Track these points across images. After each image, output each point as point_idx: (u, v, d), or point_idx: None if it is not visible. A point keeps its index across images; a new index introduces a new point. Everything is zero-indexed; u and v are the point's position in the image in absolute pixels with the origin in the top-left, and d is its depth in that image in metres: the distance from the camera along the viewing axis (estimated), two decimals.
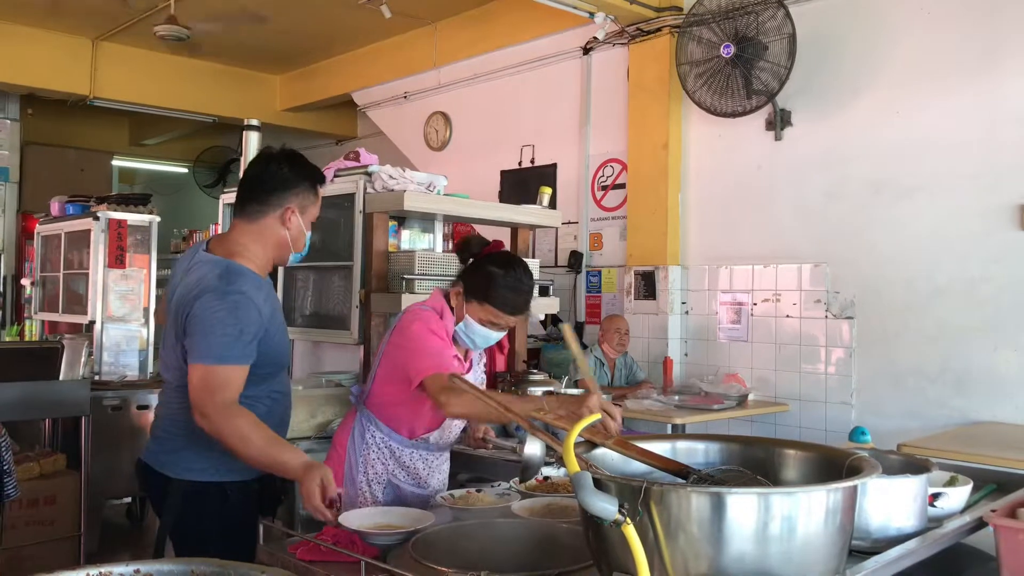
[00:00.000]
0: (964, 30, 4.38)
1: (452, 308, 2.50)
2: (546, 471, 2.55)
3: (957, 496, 1.83)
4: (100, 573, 1.03)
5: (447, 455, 2.67)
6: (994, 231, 4.23)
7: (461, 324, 2.46)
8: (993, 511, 1.63)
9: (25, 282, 6.98)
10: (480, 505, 2.19)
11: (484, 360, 2.72)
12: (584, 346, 5.61)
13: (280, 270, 4.04)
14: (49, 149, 9.88)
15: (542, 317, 5.83)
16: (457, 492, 2.29)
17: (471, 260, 2.53)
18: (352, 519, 1.99)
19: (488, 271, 2.44)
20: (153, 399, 5.17)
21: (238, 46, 7.85)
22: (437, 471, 2.61)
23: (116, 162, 11.17)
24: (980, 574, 1.71)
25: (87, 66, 7.74)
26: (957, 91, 4.39)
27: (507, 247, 3.28)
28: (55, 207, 6.57)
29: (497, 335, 2.49)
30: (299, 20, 7.14)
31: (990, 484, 2.14)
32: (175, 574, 1.05)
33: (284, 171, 2.21)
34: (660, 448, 1.74)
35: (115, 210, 5.91)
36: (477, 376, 2.63)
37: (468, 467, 3.04)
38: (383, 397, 2.50)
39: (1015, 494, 1.83)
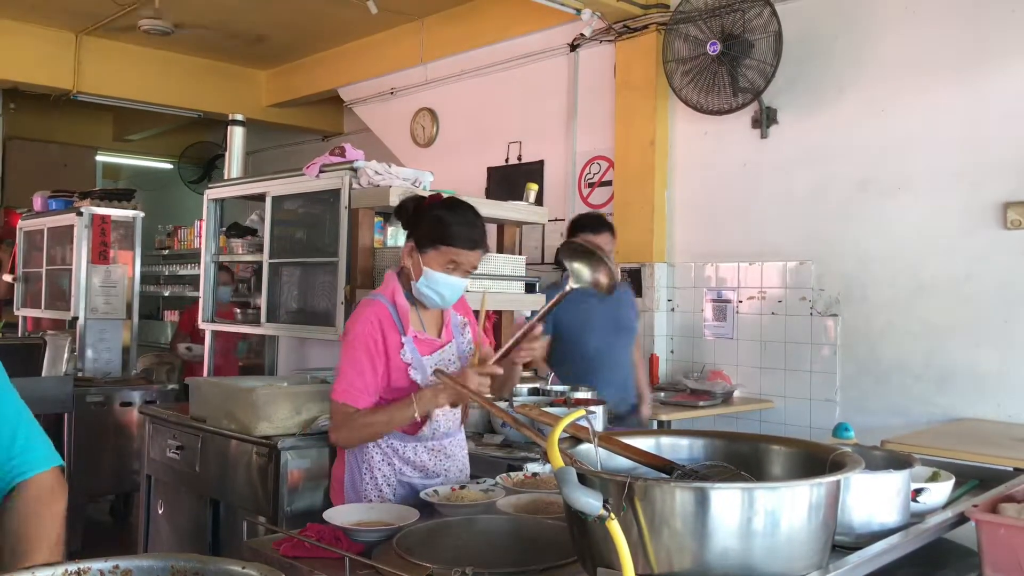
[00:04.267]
0: (949, 29, 4.41)
1: (407, 275, 2.44)
2: (531, 467, 2.55)
3: (939, 491, 1.84)
4: (78, 569, 1.02)
5: (460, 438, 2.61)
6: (978, 229, 4.26)
7: (422, 279, 2.39)
8: (975, 506, 1.64)
9: (7, 278, 6.92)
10: (465, 501, 2.18)
11: (469, 330, 2.61)
12: None
13: (264, 266, 4.02)
14: (32, 144, 9.80)
15: (528, 314, 5.82)
16: (442, 488, 2.28)
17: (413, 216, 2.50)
18: (336, 516, 1.99)
19: (435, 214, 2.42)
20: (136, 396, 5.14)
21: (223, 41, 7.80)
22: (451, 457, 2.54)
23: (100, 157, 11.10)
24: (962, 568, 1.72)
25: (70, 60, 7.67)
26: (942, 89, 4.42)
27: (454, 194, 3.34)
28: (38, 202, 6.52)
29: (462, 282, 2.43)
30: (285, 15, 7.10)
31: (972, 480, 2.15)
32: (155, 570, 1.04)
33: None
34: (645, 444, 1.74)
35: (99, 205, 5.88)
36: (462, 346, 2.55)
37: None
38: None
39: (996, 489, 1.84)
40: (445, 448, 2.53)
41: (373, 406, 2.39)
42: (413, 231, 2.46)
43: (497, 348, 4.16)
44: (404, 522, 1.94)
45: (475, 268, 2.45)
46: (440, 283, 2.40)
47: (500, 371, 2.36)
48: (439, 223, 2.40)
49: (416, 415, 2.34)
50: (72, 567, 1.03)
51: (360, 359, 2.37)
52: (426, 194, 2.60)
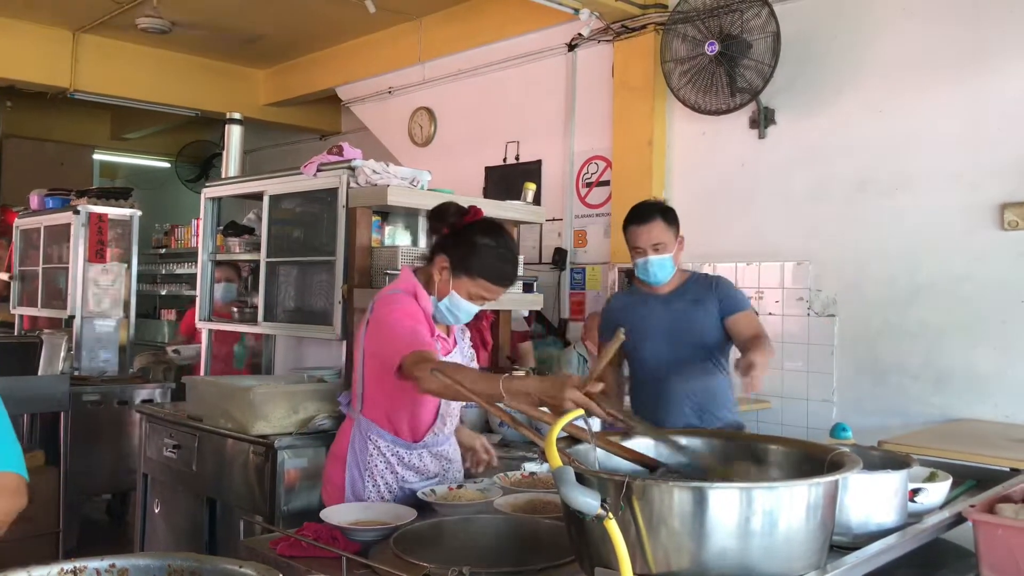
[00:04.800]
0: (947, 29, 4.41)
1: (431, 283, 2.40)
2: (529, 467, 2.55)
3: (937, 492, 1.84)
4: (74, 568, 1.01)
5: (454, 440, 2.61)
6: (976, 230, 4.26)
7: (445, 300, 2.36)
8: (972, 506, 1.64)
9: (3, 276, 6.91)
10: (462, 501, 2.18)
11: (468, 334, 2.64)
12: (567, 343, 5.62)
13: (262, 265, 4.02)
14: (29, 142, 9.78)
15: (526, 313, 5.83)
16: (439, 488, 2.28)
17: (450, 231, 2.41)
18: (333, 515, 1.98)
19: (476, 242, 2.33)
20: (132, 395, 5.13)
21: (221, 39, 7.78)
22: (451, 460, 2.55)
23: (97, 156, 11.08)
24: (959, 569, 1.72)
25: (67, 58, 7.65)
26: (940, 90, 4.42)
27: (452, 195, 3.21)
28: (35, 201, 6.50)
29: (476, 308, 2.41)
30: (283, 14, 7.09)
31: (969, 480, 2.16)
32: (151, 569, 1.03)
33: None
34: (643, 444, 1.74)
35: (96, 204, 5.87)
36: (464, 351, 2.57)
37: None
38: (378, 400, 2.41)
39: (994, 490, 1.84)
40: (446, 452, 2.54)
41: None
42: (451, 249, 2.38)
43: (494, 349, 4.18)
44: (401, 521, 1.94)
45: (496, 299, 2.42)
46: (461, 308, 2.38)
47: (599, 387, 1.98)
48: (483, 255, 2.33)
49: (502, 400, 1.93)
50: (68, 565, 1.03)
51: (405, 323, 2.26)
52: (466, 205, 2.46)
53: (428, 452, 2.47)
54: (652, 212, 3.09)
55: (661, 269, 3.07)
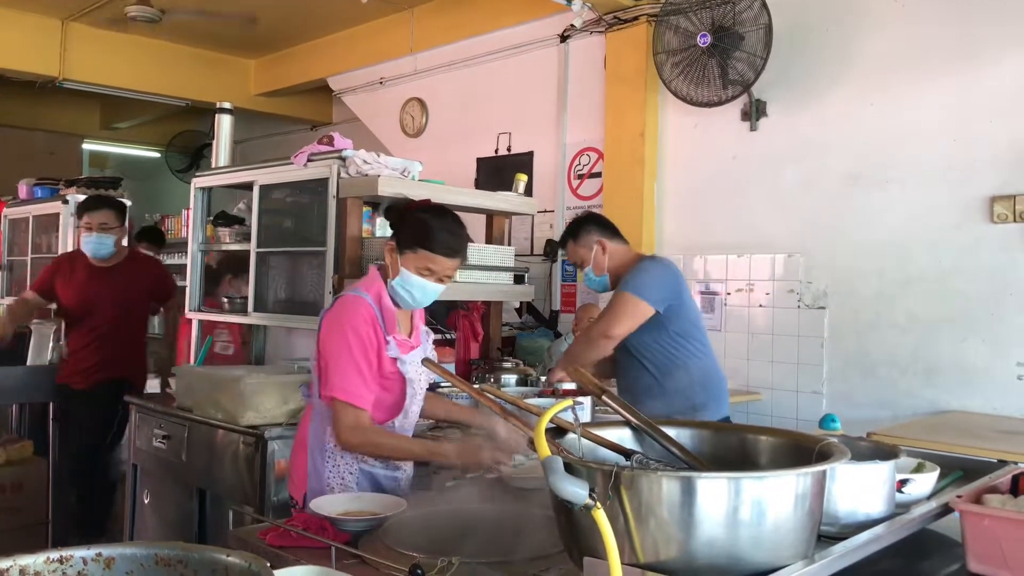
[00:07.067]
0: (939, 23, 4.42)
1: (386, 272, 2.47)
2: (518, 458, 2.55)
3: (924, 482, 1.85)
4: (60, 557, 1.01)
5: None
6: (965, 223, 4.28)
7: (398, 280, 2.42)
8: (959, 497, 1.65)
9: None
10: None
11: (432, 337, 2.67)
12: (559, 334, 5.62)
13: (252, 256, 4.00)
14: (17, 131, 9.71)
15: (517, 305, 5.83)
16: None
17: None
18: (323, 506, 1.98)
19: (419, 218, 2.45)
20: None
21: (211, 29, 7.73)
22: None
23: (87, 146, 11.01)
24: (945, 559, 1.73)
25: (57, 47, 7.59)
26: (931, 84, 4.43)
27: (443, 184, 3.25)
28: (23, 190, 6.46)
29: (434, 288, 2.44)
30: (274, 3, 7.05)
31: (956, 471, 2.17)
32: (138, 558, 1.03)
33: None
34: (629, 435, 1.74)
35: (85, 193, 5.82)
36: (428, 352, 2.58)
37: None
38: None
39: (981, 480, 1.85)
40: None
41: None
42: (397, 232, 2.49)
43: (485, 340, 4.18)
44: (392, 512, 1.94)
45: (451, 277, 2.47)
46: (414, 285, 2.42)
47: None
48: (421, 227, 2.42)
49: (426, 460, 2.42)
50: (55, 555, 1.02)
51: (358, 359, 2.36)
52: (417, 198, 2.62)
53: None
54: (563, 241, 3.45)
55: (588, 282, 3.40)
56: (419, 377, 2.51)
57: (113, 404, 4.29)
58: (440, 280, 2.44)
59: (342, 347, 2.36)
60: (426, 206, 2.56)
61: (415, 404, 2.54)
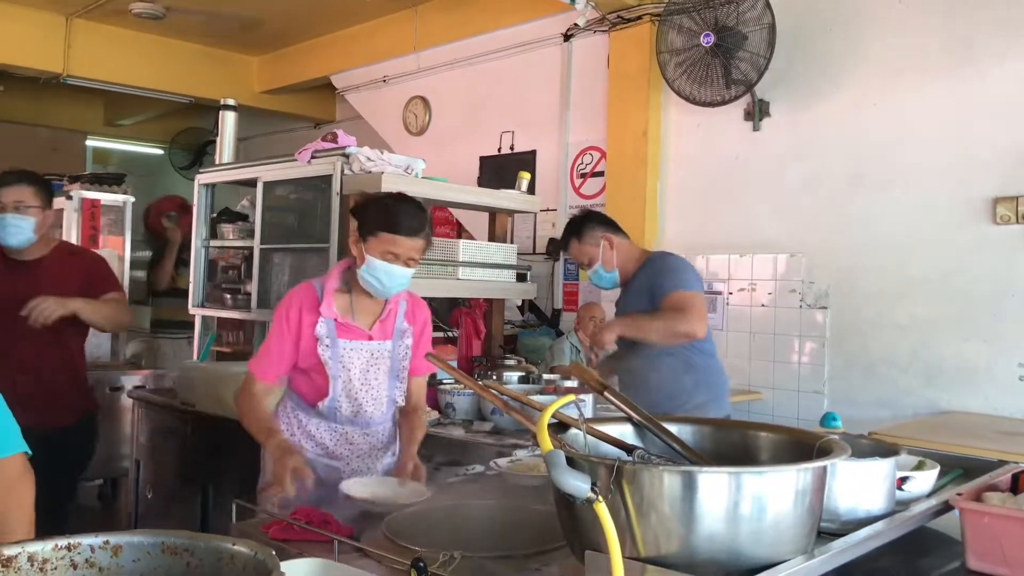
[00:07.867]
0: (940, 24, 4.42)
1: (355, 262, 2.51)
2: (520, 454, 2.56)
3: (924, 480, 1.86)
4: (68, 544, 1.02)
5: (375, 431, 2.60)
6: (967, 224, 4.28)
7: (364, 267, 2.45)
8: (959, 495, 1.66)
9: None
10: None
11: (410, 332, 2.61)
12: (560, 333, 5.63)
13: (255, 252, 4.01)
14: (21, 127, 9.71)
15: (519, 303, 5.84)
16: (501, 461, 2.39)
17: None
18: (352, 487, 2.08)
19: (378, 204, 2.51)
20: (126, 381, 5.13)
21: (215, 26, 7.75)
22: (353, 445, 2.57)
23: (90, 142, 11.01)
24: (945, 556, 1.74)
25: (61, 43, 7.60)
26: (933, 84, 4.43)
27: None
28: None
29: (401, 271, 2.44)
30: (278, 1, 7.06)
31: (957, 469, 2.17)
32: (145, 545, 1.04)
33: None
34: (631, 431, 1.75)
35: (88, 190, 5.84)
36: (400, 351, 2.57)
37: (443, 450, 3.05)
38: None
39: (981, 478, 1.86)
40: (348, 435, 2.57)
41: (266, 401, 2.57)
42: (359, 221, 2.53)
43: (487, 337, 4.18)
44: (416, 500, 2.00)
45: (416, 259, 2.47)
46: (379, 271, 2.43)
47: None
48: (380, 211, 2.47)
49: (265, 448, 2.47)
50: (63, 541, 1.03)
51: (273, 336, 2.52)
52: (419, 195, 2.70)
53: (326, 425, 2.55)
54: (565, 241, 3.44)
55: (598, 279, 3.40)
56: (352, 364, 2.50)
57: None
58: (406, 264, 2.45)
59: (270, 327, 2.57)
60: (387, 194, 2.65)
61: (346, 391, 2.51)
